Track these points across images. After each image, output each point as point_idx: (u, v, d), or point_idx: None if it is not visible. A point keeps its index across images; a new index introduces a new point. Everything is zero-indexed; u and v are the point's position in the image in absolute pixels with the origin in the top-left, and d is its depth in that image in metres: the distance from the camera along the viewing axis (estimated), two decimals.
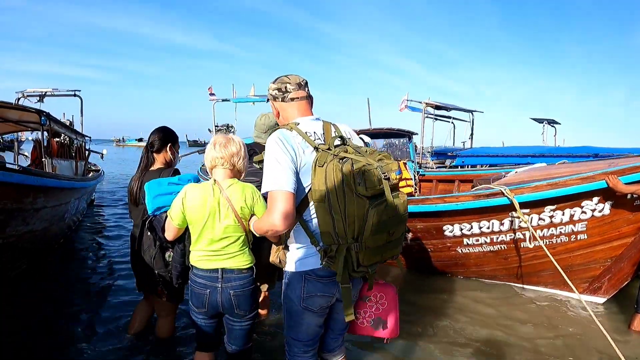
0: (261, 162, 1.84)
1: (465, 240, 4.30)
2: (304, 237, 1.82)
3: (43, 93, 10.28)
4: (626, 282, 4.03)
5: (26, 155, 9.68)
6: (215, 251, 2.14)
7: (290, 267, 1.88)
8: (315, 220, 1.76)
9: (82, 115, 10.55)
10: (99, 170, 10.28)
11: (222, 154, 2.14)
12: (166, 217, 2.30)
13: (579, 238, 3.88)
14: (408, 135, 7.92)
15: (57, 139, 7.12)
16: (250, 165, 2.22)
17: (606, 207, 3.69)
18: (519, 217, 3.82)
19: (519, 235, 4.03)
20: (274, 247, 1.99)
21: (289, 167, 1.72)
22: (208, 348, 2.36)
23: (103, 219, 8.22)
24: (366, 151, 1.79)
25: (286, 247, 1.92)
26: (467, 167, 9.24)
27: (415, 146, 8.54)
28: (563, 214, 3.81)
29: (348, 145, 1.80)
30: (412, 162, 7.68)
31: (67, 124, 9.55)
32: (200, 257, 2.17)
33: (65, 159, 7.34)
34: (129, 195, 2.88)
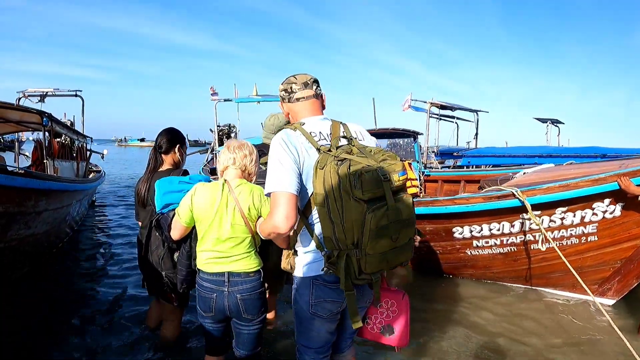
0: (267, 163, 1.81)
1: (474, 242, 4.26)
2: (311, 242, 1.77)
3: (44, 93, 10.24)
4: (636, 284, 3.99)
5: (27, 156, 9.64)
6: (222, 252, 2.12)
7: (298, 272, 1.84)
8: (318, 225, 1.70)
9: (83, 116, 10.50)
10: (100, 170, 10.24)
11: (234, 155, 2.18)
12: (173, 215, 2.30)
13: (589, 240, 3.85)
14: (413, 135, 7.86)
15: (58, 140, 7.07)
16: (260, 168, 2.22)
17: (617, 209, 3.66)
18: (530, 219, 3.79)
19: (529, 237, 3.99)
20: (284, 252, 1.94)
21: (291, 168, 1.68)
22: (217, 352, 2.36)
23: (104, 220, 8.21)
24: (371, 151, 1.72)
25: (295, 253, 1.87)
26: (472, 167, 9.17)
27: (420, 146, 8.47)
28: (574, 216, 3.78)
29: (354, 146, 1.73)
30: (417, 162, 7.62)
31: (68, 124, 9.51)
32: (207, 260, 2.15)
33: (66, 159, 7.30)
34: (136, 197, 2.86)
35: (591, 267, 3.93)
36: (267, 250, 2.43)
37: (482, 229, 4.14)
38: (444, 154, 11.34)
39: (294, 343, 1.98)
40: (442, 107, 10.31)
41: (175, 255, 2.57)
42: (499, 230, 4.07)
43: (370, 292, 1.93)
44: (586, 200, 3.67)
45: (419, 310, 3.73)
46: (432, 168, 8.94)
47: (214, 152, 9.30)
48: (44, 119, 5.50)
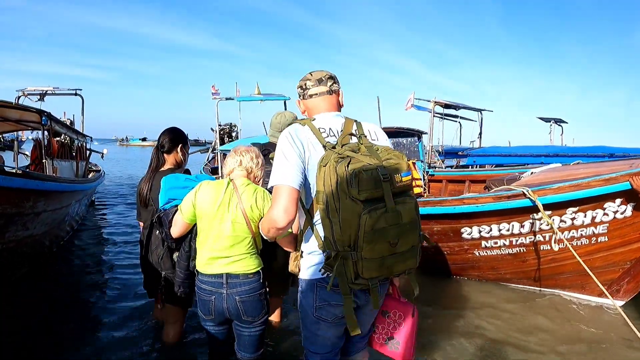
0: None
1: (483, 243, 4.20)
2: (315, 243, 1.71)
3: (44, 92, 10.18)
4: None
5: (26, 155, 9.57)
6: (221, 251, 2.11)
7: (303, 274, 1.78)
8: (320, 224, 1.64)
9: (83, 115, 10.43)
10: (100, 170, 10.19)
11: (241, 158, 2.23)
12: (175, 211, 2.30)
13: (599, 240, 3.80)
14: (417, 134, 7.79)
15: (58, 139, 7.01)
16: (267, 167, 2.18)
17: (628, 209, 3.61)
18: (540, 219, 3.74)
19: (539, 237, 3.93)
20: (292, 255, 1.89)
21: (295, 162, 1.65)
22: (220, 355, 2.35)
23: (104, 220, 8.18)
24: (377, 150, 1.65)
25: (302, 255, 1.81)
26: (476, 166, 9.09)
27: (424, 145, 8.39)
28: (585, 216, 3.73)
29: (362, 144, 1.66)
30: (422, 161, 7.55)
31: (68, 123, 9.45)
32: (206, 260, 2.14)
33: (65, 159, 7.25)
34: (138, 197, 2.84)
35: (600, 268, 3.86)
36: (274, 251, 2.40)
37: (491, 230, 4.08)
38: (448, 154, 11.26)
39: (300, 347, 1.92)
40: (446, 106, 10.20)
41: (175, 255, 2.54)
42: (508, 230, 4.01)
43: (382, 297, 1.86)
44: (597, 200, 3.62)
45: (424, 310, 3.66)
46: (436, 168, 8.85)
47: (215, 151, 9.25)
48: (43, 118, 5.46)
